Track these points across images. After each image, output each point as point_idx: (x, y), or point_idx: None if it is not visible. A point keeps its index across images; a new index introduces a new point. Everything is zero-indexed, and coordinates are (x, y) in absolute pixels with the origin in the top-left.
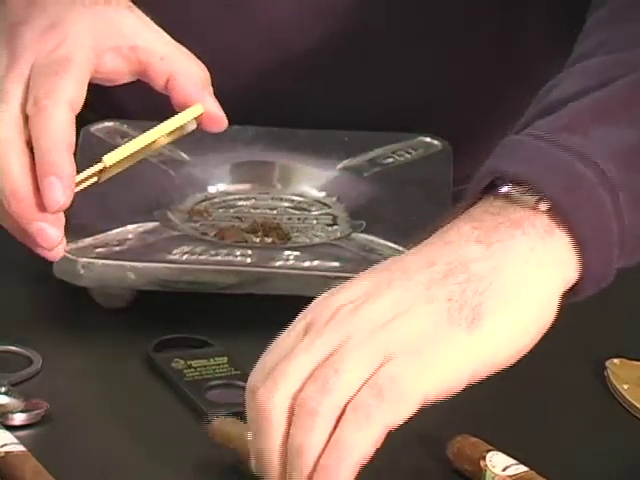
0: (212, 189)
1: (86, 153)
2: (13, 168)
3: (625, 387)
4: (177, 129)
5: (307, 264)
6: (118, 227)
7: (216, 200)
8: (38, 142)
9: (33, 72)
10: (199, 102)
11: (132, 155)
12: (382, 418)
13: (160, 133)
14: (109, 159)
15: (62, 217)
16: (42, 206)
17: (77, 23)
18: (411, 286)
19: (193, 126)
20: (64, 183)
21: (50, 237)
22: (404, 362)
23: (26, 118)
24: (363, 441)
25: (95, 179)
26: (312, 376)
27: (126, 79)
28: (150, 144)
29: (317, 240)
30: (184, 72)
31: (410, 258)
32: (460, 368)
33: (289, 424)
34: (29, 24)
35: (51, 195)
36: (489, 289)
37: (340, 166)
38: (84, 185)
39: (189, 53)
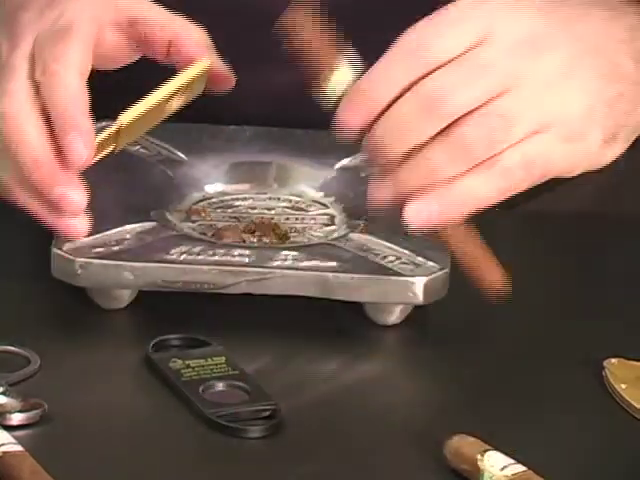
0: (210, 189)
1: None
2: (30, 136)
3: (623, 387)
4: (187, 88)
5: (305, 264)
6: (116, 227)
7: (214, 200)
8: (53, 104)
9: (37, 44)
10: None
11: (147, 117)
12: None
13: (170, 89)
14: (125, 117)
15: (82, 187)
16: (64, 170)
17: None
18: None
19: (202, 86)
20: (85, 138)
21: (74, 201)
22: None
23: (36, 88)
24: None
25: (112, 147)
26: None
27: (128, 57)
28: (163, 104)
29: (315, 240)
30: (185, 36)
31: None
32: None
33: None
34: (26, 7)
35: (74, 150)
36: None
37: (338, 166)
38: (103, 154)
39: (185, 20)
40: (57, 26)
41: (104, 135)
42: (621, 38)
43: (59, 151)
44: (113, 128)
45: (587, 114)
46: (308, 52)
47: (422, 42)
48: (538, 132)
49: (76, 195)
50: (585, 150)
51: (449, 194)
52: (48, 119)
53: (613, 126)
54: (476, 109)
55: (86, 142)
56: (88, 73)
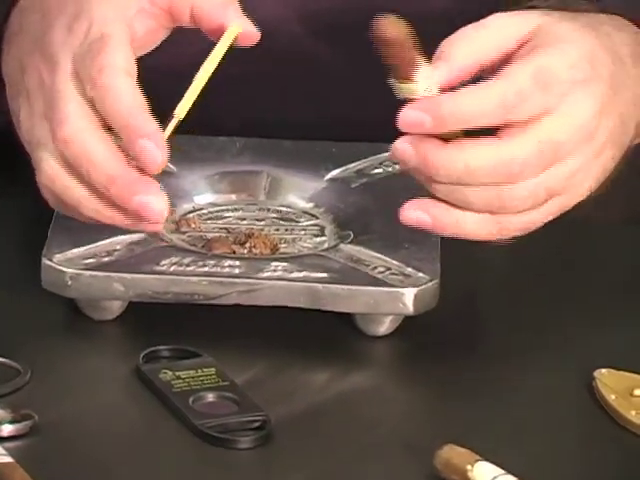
0: (200, 200)
1: None
2: (100, 153)
3: (613, 397)
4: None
5: (295, 275)
6: (106, 238)
7: (204, 211)
8: (113, 116)
9: (76, 61)
10: (231, 21)
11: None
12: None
13: (212, 65)
14: (181, 110)
15: (159, 187)
16: (139, 179)
17: (96, 4)
18: None
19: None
20: (155, 141)
21: (155, 208)
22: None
23: (90, 105)
24: None
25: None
26: None
27: (160, 36)
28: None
29: (305, 251)
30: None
31: None
32: None
33: None
34: (53, 26)
35: (148, 157)
36: None
37: (328, 177)
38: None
39: None
40: (90, 38)
41: (168, 132)
42: (637, 102)
43: (130, 161)
44: (173, 123)
45: (590, 188)
46: (395, 56)
47: (519, 100)
48: (553, 197)
49: (156, 202)
50: (572, 205)
51: (448, 215)
52: (109, 129)
53: (592, 186)
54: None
55: (158, 145)
56: (135, 73)
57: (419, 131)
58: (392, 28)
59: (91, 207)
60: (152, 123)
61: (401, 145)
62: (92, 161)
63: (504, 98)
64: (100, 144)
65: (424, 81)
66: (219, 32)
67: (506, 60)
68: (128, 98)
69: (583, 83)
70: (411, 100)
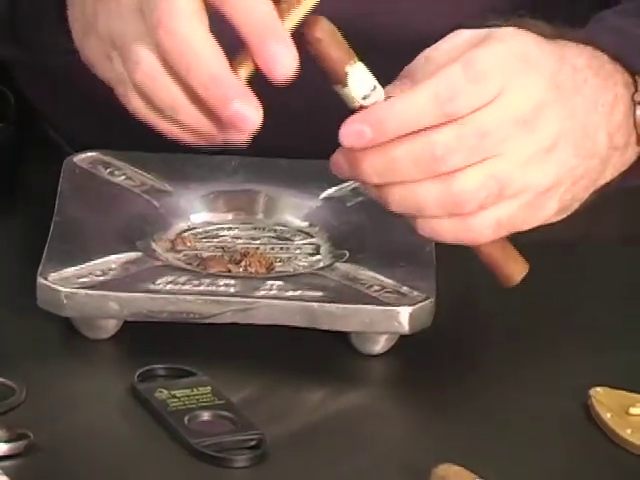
0: (195, 219)
1: (69, 184)
2: (205, 50)
3: (609, 415)
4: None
5: (290, 294)
6: (101, 257)
7: (199, 230)
8: (244, 12)
9: None
10: None
11: None
12: None
13: (298, 17)
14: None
15: (258, 102)
16: (239, 85)
17: None
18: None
19: None
20: (289, 49)
21: (250, 117)
22: None
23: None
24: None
25: None
26: None
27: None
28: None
29: (300, 270)
30: None
31: None
32: None
33: None
34: None
35: (280, 61)
36: None
37: (323, 195)
38: None
39: None
40: None
41: None
42: (604, 111)
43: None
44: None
45: (554, 187)
46: (327, 59)
47: (451, 94)
48: (511, 197)
49: (252, 111)
50: (539, 217)
51: (422, 224)
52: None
53: (570, 199)
54: (471, 166)
55: (290, 49)
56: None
57: (362, 143)
58: (320, 28)
59: (184, 109)
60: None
61: (334, 157)
62: (196, 56)
63: (437, 94)
64: (206, 41)
65: (360, 86)
66: None
67: None
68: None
69: (516, 75)
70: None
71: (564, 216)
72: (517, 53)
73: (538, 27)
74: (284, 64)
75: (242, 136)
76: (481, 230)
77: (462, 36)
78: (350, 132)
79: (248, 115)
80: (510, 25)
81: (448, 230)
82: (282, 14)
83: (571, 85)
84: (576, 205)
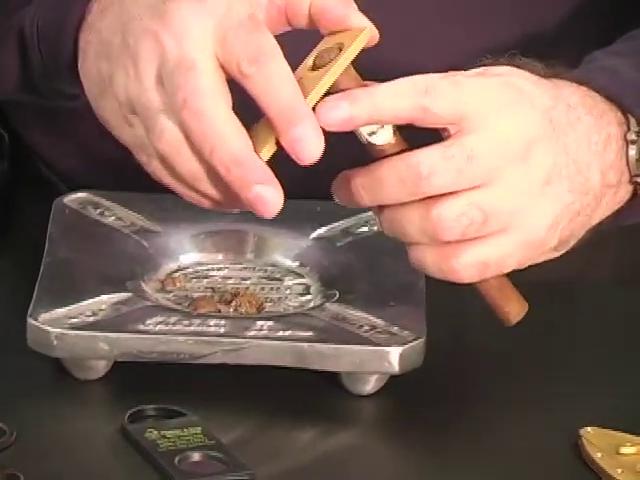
0: (185, 259)
1: (59, 224)
2: (229, 132)
3: (599, 455)
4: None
5: (280, 334)
6: (91, 298)
7: (189, 270)
8: (271, 97)
9: (229, 28)
10: (354, 21)
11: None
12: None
13: (341, 68)
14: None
15: (279, 185)
16: (262, 167)
17: None
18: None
19: None
20: (315, 127)
21: (271, 201)
22: None
23: (223, 82)
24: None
25: None
26: None
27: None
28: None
29: (290, 310)
30: None
31: None
32: None
33: None
34: None
35: (306, 144)
36: None
37: (313, 236)
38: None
39: None
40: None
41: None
42: (597, 149)
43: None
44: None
45: (552, 225)
46: (337, 91)
47: (430, 91)
48: (502, 232)
49: (275, 194)
50: (537, 255)
51: (410, 252)
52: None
53: (568, 236)
54: (457, 193)
55: (317, 132)
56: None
57: (340, 119)
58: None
59: (206, 182)
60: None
61: (333, 185)
62: (220, 138)
63: (414, 81)
64: (229, 122)
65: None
66: (334, 29)
67: None
68: (290, 78)
69: (506, 104)
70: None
71: (561, 254)
72: (513, 85)
73: (532, 66)
74: (311, 149)
75: (263, 215)
76: (465, 268)
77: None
78: (326, 108)
79: (269, 199)
80: (504, 64)
81: (433, 263)
82: (312, 83)
83: (565, 122)
84: (573, 242)
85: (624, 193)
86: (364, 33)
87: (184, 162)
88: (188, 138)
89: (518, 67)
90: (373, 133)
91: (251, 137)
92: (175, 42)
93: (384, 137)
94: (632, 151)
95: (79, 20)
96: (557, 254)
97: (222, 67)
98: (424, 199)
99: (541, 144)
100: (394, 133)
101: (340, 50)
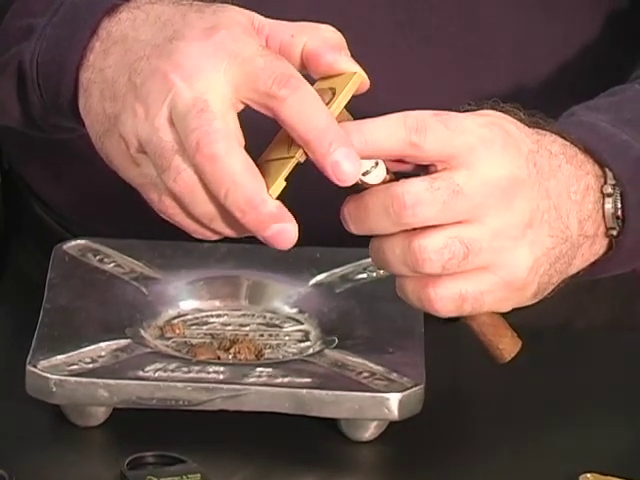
0: (184, 306)
1: (58, 271)
2: (244, 176)
3: None
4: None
5: (279, 380)
6: (91, 344)
7: (188, 317)
8: (308, 116)
9: (245, 60)
10: (344, 65)
11: None
12: None
13: (336, 112)
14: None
15: (292, 218)
16: (279, 208)
17: (226, 20)
18: None
19: None
20: (354, 152)
21: (289, 235)
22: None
23: (236, 124)
24: None
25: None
26: None
27: None
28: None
29: (289, 356)
30: (316, 38)
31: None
32: None
33: None
34: (185, 34)
35: (344, 169)
36: None
37: (312, 282)
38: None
39: (315, 24)
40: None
41: (286, 172)
42: (576, 198)
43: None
44: (292, 164)
45: (533, 267)
46: None
47: (420, 126)
48: (483, 269)
49: (290, 229)
50: (516, 297)
51: (397, 282)
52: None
53: (546, 282)
54: (440, 227)
55: (355, 153)
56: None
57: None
58: None
59: (220, 221)
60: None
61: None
62: (234, 182)
63: (405, 117)
64: (243, 165)
65: None
66: (326, 74)
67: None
68: (321, 105)
69: (494, 144)
70: None
71: (537, 300)
72: (500, 126)
73: (514, 113)
74: (352, 169)
75: (281, 248)
76: (442, 300)
77: None
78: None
79: (286, 234)
80: (488, 109)
81: (412, 292)
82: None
83: (547, 167)
84: (550, 289)
85: (599, 246)
86: (355, 78)
87: (198, 203)
88: (202, 180)
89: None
90: (367, 172)
91: (260, 168)
92: (186, 83)
93: (377, 177)
94: (608, 204)
95: (80, 58)
96: (534, 300)
97: (243, 102)
98: (408, 230)
99: (525, 186)
100: (387, 173)
101: (333, 95)
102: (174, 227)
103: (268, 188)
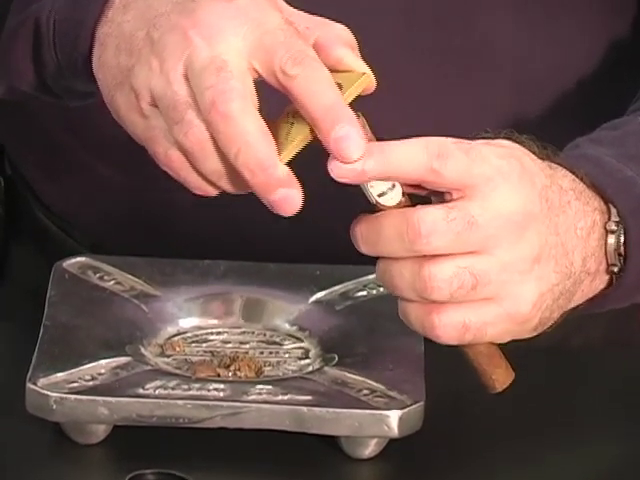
0: (184, 323)
1: (58, 288)
2: (256, 137)
3: None
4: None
5: (279, 398)
6: (91, 362)
7: (188, 334)
8: (317, 94)
9: (265, 32)
10: (353, 63)
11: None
12: None
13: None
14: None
15: (294, 178)
16: (285, 172)
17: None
18: None
19: None
20: (359, 133)
21: (295, 201)
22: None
23: (253, 84)
24: None
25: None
26: None
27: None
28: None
29: (289, 374)
30: (330, 33)
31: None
32: None
33: None
34: None
35: (349, 145)
36: None
37: (312, 299)
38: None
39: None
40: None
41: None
42: (582, 234)
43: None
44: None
45: (537, 302)
46: None
47: (442, 152)
48: (489, 300)
49: (295, 197)
50: (517, 331)
51: (399, 305)
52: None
53: (548, 317)
54: (451, 256)
55: (360, 133)
56: None
57: (351, 171)
58: None
59: (226, 178)
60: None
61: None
62: (246, 142)
63: (427, 143)
64: (257, 127)
65: (376, 183)
66: (334, 67)
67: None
68: (332, 84)
69: (510, 176)
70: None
71: (536, 333)
72: (517, 158)
73: (528, 144)
74: (355, 147)
75: (284, 214)
76: (444, 327)
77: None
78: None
79: (291, 200)
80: (503, 138)
81: (416, 318)
82: None
83: (558, 203)
84: (549, 324)
85: (600, 282)
86: (363, 78)
87: (207, 159)
88: (213, 137)
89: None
90: (383, 194)
91: (274, 134)
92: (205, 41)
93: (393, 199)
94: (611, 240)
95: (99, 14)
96: (534, 334)
97: (255, 70)
98: (418, 256)
99: (537, 221)
100: (402, 195)
101: (340, 90)
102: (174, 228)
103: (280, 154)
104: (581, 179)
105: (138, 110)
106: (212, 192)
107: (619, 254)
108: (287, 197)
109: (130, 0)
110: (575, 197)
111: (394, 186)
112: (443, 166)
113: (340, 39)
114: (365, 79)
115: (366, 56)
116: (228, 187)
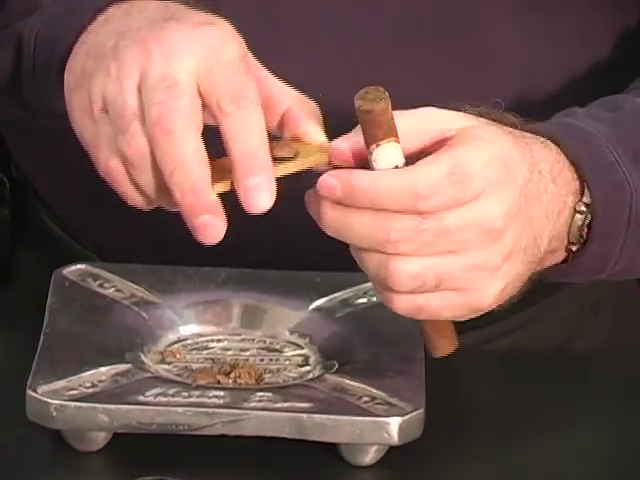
0: (184, 330)
1: (59, 296)
2: (193, 159)
3: None
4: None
5: (280, 405)
6: (91, 369)
7: (188, 342)
8: (241, 139)
9: (217, 63)
10: (317, 138)
11: None
12: None
13: (287, 172)
14: None
15: (224, 216)
16: (215, 201)
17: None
18: None
19: None
20: (271, 186)
21: (217, 231)
22: None
23: (200, 107)
24: None
25: None
26: None
27: None
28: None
29: (290, 381)
30: (303, 107)
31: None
32: None
33: None
34: (177, 19)
35: (258, 196)
36: None
37: (312, 307)
38: None
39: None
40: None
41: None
42: (552, 218)
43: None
44: None
45: (500, 294)
46: (363, 133)
47: (430, 193)
48: (451, 290)
49: (220, 226)
50: (471, 315)
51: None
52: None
53: (504, 299)
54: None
55: (272, 187)
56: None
57: (333, 198)
58: (365, 102)
59: (159, 192)
60: (271, 168)
61: (308, 193)
62: (182, 163)
63: (416, 188)
64: (196, 151)
65: (382, 166)
66: (297, 138)
67: (424, 151)
68: (261, 130)
69: (496, 183)
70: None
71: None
72: (501, 160)
73: (509, 119)
74: (262, 201)
75: (203, 241)
76: (400, 303)
77: (436, 114)
78: (327, 183)
79: (214, 229)
80: (483, 113)
81: (378, 293)
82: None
83: (535, 193)
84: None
85: (558, 256)
86: (319, 155)
87: (144, 172)
88: (153, 152)
89: (495, 119)
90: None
91: (211, 169)
92: (163, 57)
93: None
94: (577, 220)
95: (81, 29)
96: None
97: (201, 96)
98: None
99: (515, 220)
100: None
101: (295, 156)
102: (174, 228)
103: (214, 183)
104: (565, 154)
105: (90, 114)
106: (145, 206)
107: (581, 235)
108: (211, 224)
109: (112, 16)
110: (552, 180)
111: (397, 167)
112: (429, 205)
113: (311, 114)
114: (321, 156)
115: (368, 62)
116: (161, 202)
